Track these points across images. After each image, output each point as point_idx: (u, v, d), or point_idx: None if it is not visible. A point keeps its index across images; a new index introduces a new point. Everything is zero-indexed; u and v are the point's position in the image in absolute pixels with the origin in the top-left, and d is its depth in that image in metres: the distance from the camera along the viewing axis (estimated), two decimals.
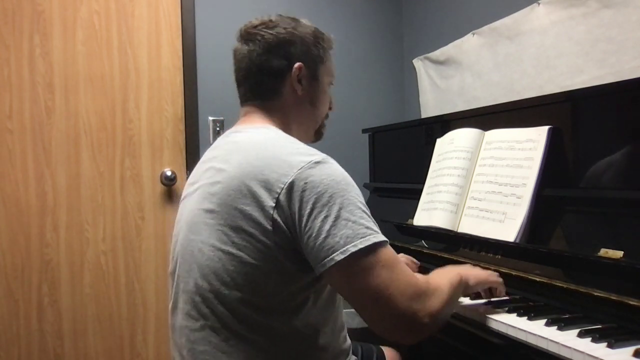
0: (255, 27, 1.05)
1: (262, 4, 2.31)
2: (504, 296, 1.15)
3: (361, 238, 0.83)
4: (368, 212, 0.88)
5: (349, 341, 1.07)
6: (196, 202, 0.98)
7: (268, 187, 0.87)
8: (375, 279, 0.83)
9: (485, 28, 2.04)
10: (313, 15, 2.37)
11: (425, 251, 1.53)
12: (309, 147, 0.95)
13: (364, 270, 0.83)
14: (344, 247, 0.82)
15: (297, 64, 1.04)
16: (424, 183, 1.60)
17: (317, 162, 0.88)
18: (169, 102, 2.18)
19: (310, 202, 0.84)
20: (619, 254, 0.99)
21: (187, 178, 1.12)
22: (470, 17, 2.16)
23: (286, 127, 1.06)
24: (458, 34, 2.20)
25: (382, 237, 0.86)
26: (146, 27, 2.14)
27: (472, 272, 1.08)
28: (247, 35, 1.05)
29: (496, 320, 1.02)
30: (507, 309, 1.07)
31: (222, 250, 0.90)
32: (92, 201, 2.06)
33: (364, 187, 2.16)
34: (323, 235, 0.83)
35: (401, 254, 1.44)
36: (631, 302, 0.92)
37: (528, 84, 1.84)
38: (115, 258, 2.10)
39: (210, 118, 2.24)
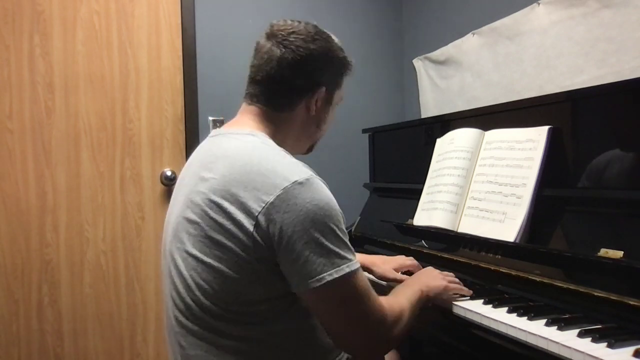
0: (291, 33, 1.00)
1: (262, 3, 2.32)
2: (468, 295, 1.17)
3: (336, 268, 0.86)
4: (346, 237, 0.91)
5: None
6: (180, 209, 0.97)
7: (247, 209, 0.86)
8: (349, 309, 0.89)
9: (485, 28, 2.04)
10: (313, 15, 2.37)
11: (425, 251, 1.53)
12: (295, 162, 0.93)
13: (339, 299, 0.88)
14: (320, 274, 0.85)
15: (321, 89, 1.03)
16: (424, 183, 1.60)
17: (301, 184, 0.87)
18: (169, 102, 2.18)
19: (292, 226, 0.85)
20: (619, 254, 0.98)
21: None
22: (470, 17, 2.16)
23: (281, 138, 1.03)
24: (458, 34, 2.20)
25: (356, 265, 0.89)
26: (146, 27, 2.14)
27: (433, 284, 1.13)
28: (281, 39, 0.99)
29: (496, 320, 1.02)
30: (507, 309, 1.07)
31: (204, 263, 0.90)
32: (92, 201, 2.06)
33: (364, 187, 2.16)
34: (302, 261, 0.85)
35: (410, 258, 1.42)
36: (631, 302, 0.92)
37: (528, 84, 1.84)
38: (115, 258, 2.10)
39: (210, 118, 2.24)
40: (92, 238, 2.06)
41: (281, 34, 1.00)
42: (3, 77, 1.94)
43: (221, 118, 2.25)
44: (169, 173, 2.16)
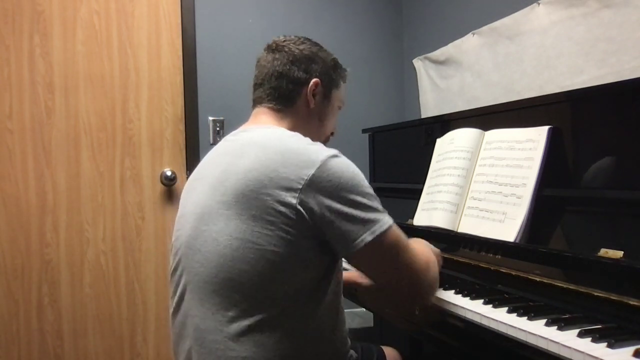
0: (284, 41, 1.14)
1: (262, 4, 2.32)
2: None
3: (381, 222, 0.95)
4: (377, 198, 1.00)
5: (348, 338, 1.10)
6: (206, 194, 1.00)
7: (288, 184, 0.91)
8: (401, 257, 0.98)
9: (485, 28, 2.04)
10: (314, 15, 2.38)
11: None
12: (320, 144, 1.01)
13: (389, 250, 0.97)
14: (372, 229, 0.93)
15: (314, 79, 1.12)
16: (424, 183, 1.60)
17: (335, 156, 0.96)
18: (169, 102, 2.18)
19: (336, 192, 0.93)
20: (619, 254, 0.98)
21: (187, 178, 1.13)
22: (470, 17, 2.16)
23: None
24: (458, 34, 2.20)
25: (392, 220, 0.99)
26: (146, 27, 2.14)
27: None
28: (275, 47, 1.14)
29: (496, 320, 1.02)
30: (507, 309, 1.07)
31: (242, 239, 0.92)
32: (92, 201, 2.06)
33: None
34: (352, 221, 0.92)
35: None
36: (631, 302, 0.92)
37: (528, 84, 1.84)
38: (115, 258, 2.10)
39: (210, 118, 2.25)
40: (92, 238, 2.06)
41: (275, 43, 1.15)
42: (3, 77, 1.94)
43: (221, 118, 2.25)
44: (169, 173, 2.16)
